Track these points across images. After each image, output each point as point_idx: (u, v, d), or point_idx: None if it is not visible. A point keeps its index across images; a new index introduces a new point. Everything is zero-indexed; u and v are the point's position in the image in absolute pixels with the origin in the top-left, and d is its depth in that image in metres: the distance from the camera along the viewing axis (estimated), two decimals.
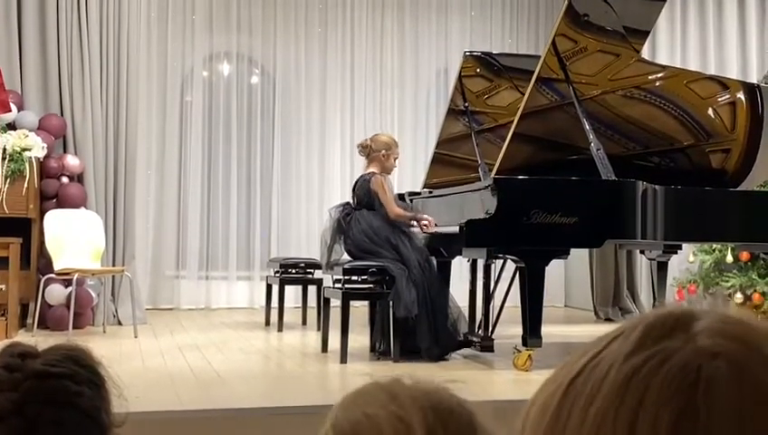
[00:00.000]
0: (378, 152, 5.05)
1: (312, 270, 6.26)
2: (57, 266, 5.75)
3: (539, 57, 4.95)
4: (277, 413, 3.38)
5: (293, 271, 6.31)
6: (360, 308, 5.56)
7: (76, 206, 6.24)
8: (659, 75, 5.17)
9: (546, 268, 4.39)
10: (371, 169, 5.06)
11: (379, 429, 0.73)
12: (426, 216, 4.97)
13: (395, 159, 5.15)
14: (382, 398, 0.75)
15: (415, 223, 4.96)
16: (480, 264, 5.19)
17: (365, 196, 4.98)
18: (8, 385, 1.04)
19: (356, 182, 5.16)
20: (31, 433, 1.01)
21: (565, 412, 0.51)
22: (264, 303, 6.64)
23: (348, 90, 8.29)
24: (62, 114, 6.44)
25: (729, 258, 6.71)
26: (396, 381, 0.78)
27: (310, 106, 8.21)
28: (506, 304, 5.18)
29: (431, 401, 0.76)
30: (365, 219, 4.92)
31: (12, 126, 6.08)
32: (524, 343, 4.39)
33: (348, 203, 5.15)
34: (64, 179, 6.33)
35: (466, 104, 5.93)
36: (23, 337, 5.28)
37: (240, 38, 8.09)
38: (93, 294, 6.14)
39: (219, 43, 8.07)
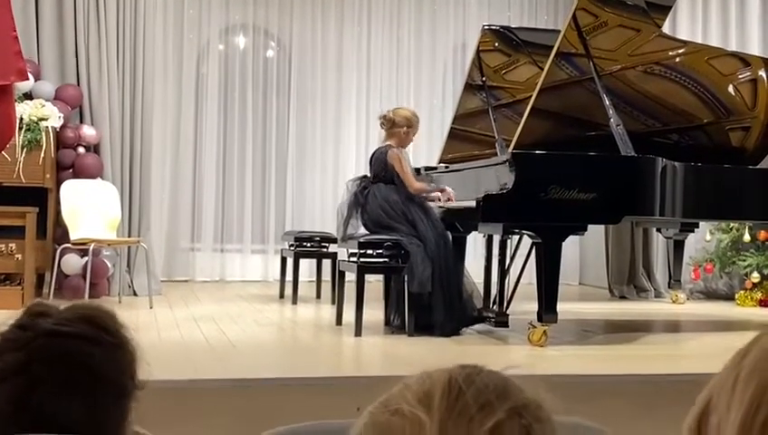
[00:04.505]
0: (399, 128, 5.02)
1: (327, 244, 6.26)
2: (73, 236, 5.78)
3: (558, 32, 4.89)
4: (291, 384, 3.39)
5: (308, 244, 6.31)
6: (374, 283, 5.55)
7: (92, 176, 6.25)
8: (680, 51, 5.11)
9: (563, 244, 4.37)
10: (389, 142, 5.03)
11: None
12: (447, 188, 4.93)
13: (414, 135, 5.13)
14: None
15: (432, 196, 4.93)
16: (496, 239, 5.17)
17: (381, 169, 4.95)
18: (17, 344, 1.03)
19: (372, 154, 5.13)
20: (31, 392, 1.00)
21: None
22: (278, 276, 6.66)
23: (364, 64, 8.24)
24: (78, 84, 6.44)
25: (746, 237, 6.67)
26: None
27: (325, 80, 8.17)
28: (522, 281, 5.16)
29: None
30: (382, 193, 4.90)
31: (28, 96, 6.08)
32: (540, 319, 4.37)
33: (365, 176, 5.13)
34: (81, 150, 6.34)
35: (484, 79, 5.88)
36: None
37: (256, 10, 8.05)
38: (109, 265, 6.17)
39: (235, 15, 8.03)
